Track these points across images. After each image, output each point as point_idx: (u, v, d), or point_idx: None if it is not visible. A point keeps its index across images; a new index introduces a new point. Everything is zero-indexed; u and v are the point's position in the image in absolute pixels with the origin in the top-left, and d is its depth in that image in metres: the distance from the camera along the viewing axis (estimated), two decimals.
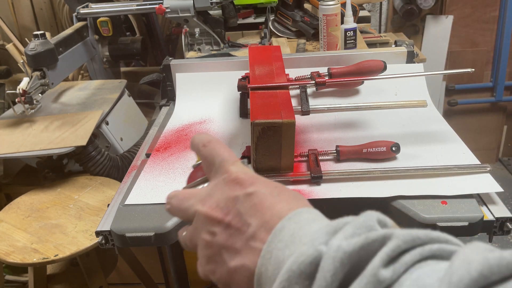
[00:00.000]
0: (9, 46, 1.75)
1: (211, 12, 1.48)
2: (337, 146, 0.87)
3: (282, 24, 1.64)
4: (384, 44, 1.64)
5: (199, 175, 0.48)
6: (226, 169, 0.42)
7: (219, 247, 0.39)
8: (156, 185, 0.84)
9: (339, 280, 0.31)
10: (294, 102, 1.09)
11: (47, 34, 1.36)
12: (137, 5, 1.49)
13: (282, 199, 0.39)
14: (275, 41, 1.58)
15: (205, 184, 0.46)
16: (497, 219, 0.73)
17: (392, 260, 0.30)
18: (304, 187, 0.80)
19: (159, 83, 1.26)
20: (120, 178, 1.26)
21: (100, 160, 1.25)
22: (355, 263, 0.31)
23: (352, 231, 0.32)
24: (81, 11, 1.53)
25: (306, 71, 1.11)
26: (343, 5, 1.35)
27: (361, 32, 1.68)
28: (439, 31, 2.56)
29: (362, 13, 1.81)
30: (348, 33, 1.33)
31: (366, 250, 0.31)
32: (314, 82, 1.03)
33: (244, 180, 0.41)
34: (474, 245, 0.29)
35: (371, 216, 0.34)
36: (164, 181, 0.85)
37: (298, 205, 0.39)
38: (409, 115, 1.03)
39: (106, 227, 0.76)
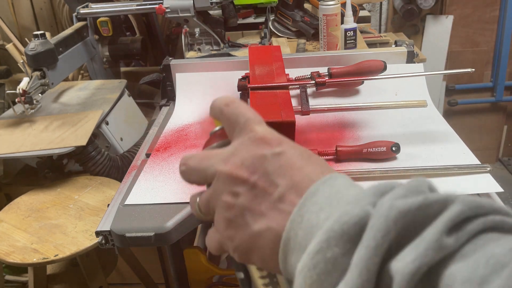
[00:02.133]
0: (9, 46, 1.76)
1: (211, 12, 1.48)
2: (337, 146, 0.87)
3: (282, 24, 1.64)
4: (384, 44, 1.64)
5: (217, 141, 0.44)
6: (252, 128, 0.38)
7: (242, 208, 0.36)
8: (156, 185, 0.84)
9: (390, 241, 0.27)
10: (294, 102, 1.09)
11: (47, 34, 1.36)
12: (137, 5, 1.49)
13: (312, 162, 0.36)
14: (275, 41, 1.58)
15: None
16: None
17: (455, 226, 0.27)
18: None
19: (159, 83, 1.27)
20: (120, 178, 1.26)
21: (100, 160, 1.25)
22: (409, 225, 0.28)
23: (404, 193, 0.29)
24: (81, 11, 1.53)
25: (306, 71, 1.10)
26: (343, 5, 1.36)
27: (361, 32, 1.68)
28: (439, 31, 2.56)
29: (362, 13, 1.81)
30: (348, 33, 1.33)
31: (424, 211, 0.28)
32: (314, 82, 1.03)
33: (272, 140, 0.37)
34: None
35: (423, 182, 0.30)
36: (164, 181, 0.85)
37: (330, 170, 0.36)
38: (409, 115, 1.03)
39: (106, 227, 0.76)
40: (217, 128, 0.44)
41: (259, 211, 0.35)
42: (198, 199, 0.41)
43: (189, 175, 0.40)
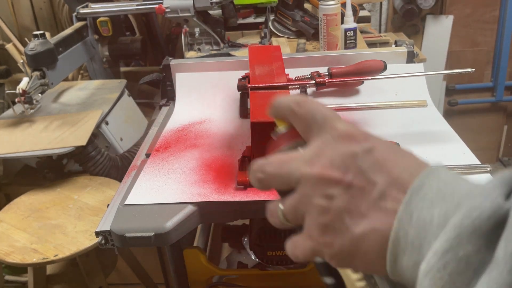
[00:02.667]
0: (8, 46, 1.75)
1: (211, 12, 1.48)
2: None
3: (282, 24, 1.64)
4: (384, 44, 1.64)
5: (285, 143, 0.40)
6: (333, 125, 0.36)
7: (339, 211, 0.33)
8: (156, 185, 0.84)
9: None
10: None
11: (47, 34, 1.36)
12: (137, 5, 1.49)
13: (404, 155, 0.34)
14: (275, 41, 1.58)
15: (302, 148, 0.38)
16: None
17: None
18: None
19: (159, 83, 1.26)
20: (120, 178, 1.26)
21: (99, 160, 1.25)
22: None
23: None
24: (81, 11, 1.53)
25: (306, 71, 1.10)
26: (343, 5, 1.35)
27: (361, 32, 1.68)
28: (439, 31, 2.56)
29: (362, 13, 1.81)
30: (348, 33, 1.33)
31: None
32: (314, 82, 1.03)
33: (358, 135, 0.35)
34: None
35: None
36: (164, 181, 0.85)
37: (425, 162, 0.34)
38: (409, 115, 1.03)
39: (105, 227, 0.76)
40: (283, 129, 0.41)
41: (359, 212, 0.32)
42: (281, 206, 0.37)
43: (269, 182, 0.38)
